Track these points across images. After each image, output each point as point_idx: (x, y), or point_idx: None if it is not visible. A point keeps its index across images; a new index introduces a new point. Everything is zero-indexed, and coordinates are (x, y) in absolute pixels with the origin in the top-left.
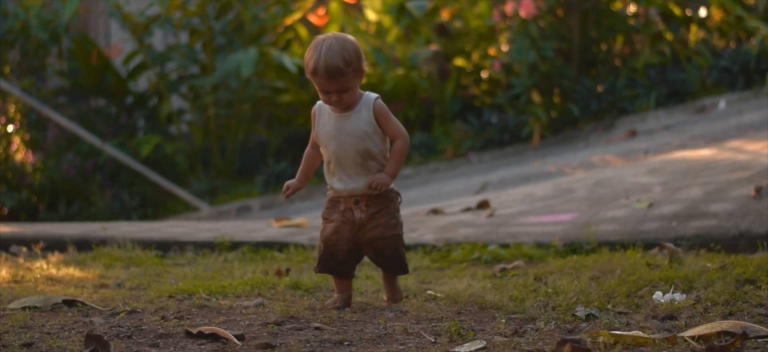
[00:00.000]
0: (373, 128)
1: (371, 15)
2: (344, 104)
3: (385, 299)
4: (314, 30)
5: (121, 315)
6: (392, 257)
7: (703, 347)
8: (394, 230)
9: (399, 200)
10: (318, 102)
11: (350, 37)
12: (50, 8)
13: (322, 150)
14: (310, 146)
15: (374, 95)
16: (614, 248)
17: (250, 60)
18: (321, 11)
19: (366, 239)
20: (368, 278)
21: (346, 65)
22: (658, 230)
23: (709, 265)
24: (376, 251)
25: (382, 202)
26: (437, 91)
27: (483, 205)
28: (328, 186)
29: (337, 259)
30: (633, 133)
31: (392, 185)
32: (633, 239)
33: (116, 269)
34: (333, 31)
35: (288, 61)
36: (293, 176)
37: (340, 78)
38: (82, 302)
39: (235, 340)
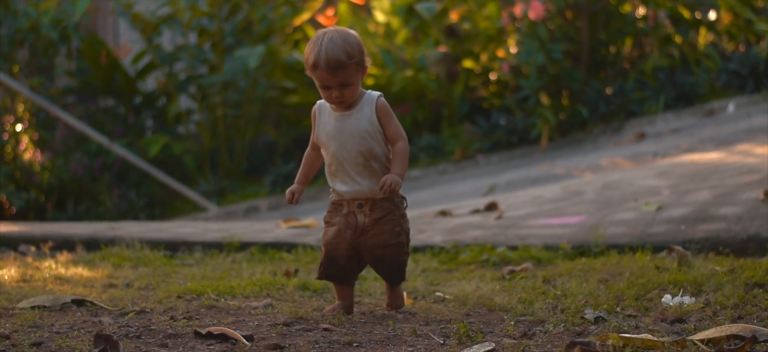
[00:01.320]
0: (374, 128)
1: (380, 16)
2: (346, 101)
3: (385, 306)
4: None
5: (130, 315)
6: (393, 266)
7: (713, 350)
8: (397, 239)
9: (405, 204)
10: (318, 102)
11: (352, 31)
12: (60, 8)
13: (323, 152)
14: (310, 148)
15: (376, 93)
16: (623, 250)
17: (257, 54)
18: (329, 12)
19: (368, 245)
20: (376, 279)
21: (348, 58)
22: (667, 233)
23: (718, 268)
24: (376, 258)
25: (387, 207)
26: (445, 93)
27: (491, 207)
28: (331, 189)
29: (337, 264)
30: (641, 136)
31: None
32: (642, 241)
33: (125, 269)
34: (334, 26)
35: (299, 55)
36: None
37: (341, 71)
38: (91, 302)
39: (244, 341)
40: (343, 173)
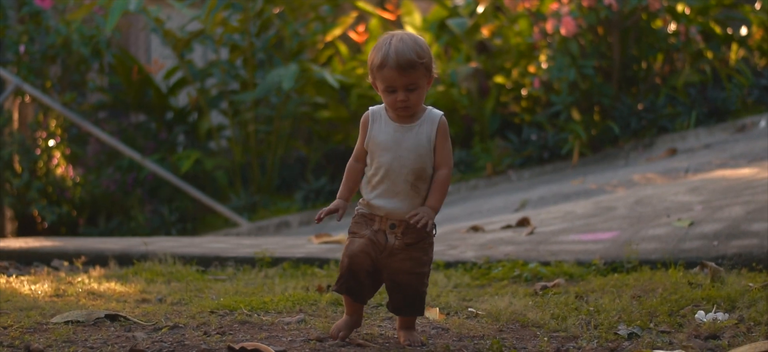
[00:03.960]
0: (431, 147)
1: (411, 32)
2: (411, 107)
3: (402, 342)
4: (354, 47)
5: (163, 330)
6: (414, 296)
7: None
8: (423, 268)
9: (434, 233)
10: (370, 108)
11: (421, 37)
12: (92, 24)
13: (370, 160)
14: (355, 159)
15: (440, 112)
16: (655, 266)
17: (291, 74)
18: (361, 28)
19: (392, 268)
20: None
21: (419, 58)
22: (700, 248)
23: (751, 284)
24: (396, 284)
25: (420, 233)
26: (477, 109)
27: (523, 222)
28: (361, 201)
29: (358, 278)
30: (673, 152)
31: None
32: (674, 257)
33: (157, 284)
34: (403, 30)
35: (329, 76)
36: (333, 193)
37: (411, 72)
38: (125, 317)
39: None
40: (388, 188)
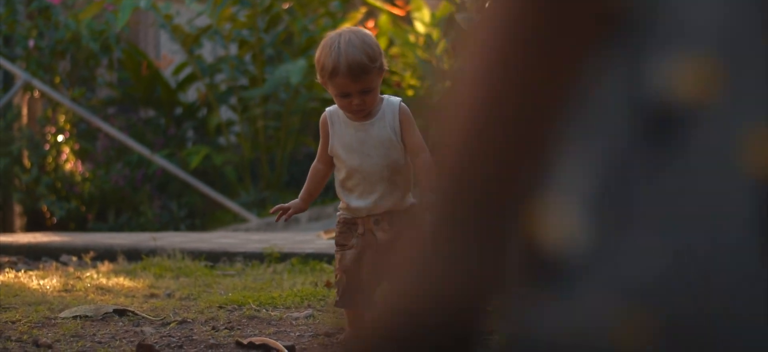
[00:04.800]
0: (397, 137)
1: (420, 27)
2: (367, 109)
3: None
4: None
5: (171, 325)
6: None
7: None
8: None
9: None
10: (327, 109)
11: (366, 30)
12: (101, 19)
13: (339, 164)
14: (319, 161)
15: (397, 99)
16: None
17: (299, 69)
18: (370, 23)
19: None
20: None
21: (371, 61)
22: None
23: None
24: None
25: (405, 220)
26: None
27: None
28: (340, 206)
29: (361, 290)
30: None
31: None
32: None
33: (166, 279)
34: (347, 26)
35: None
36: None
37: (363, 77)
38: (133, 312)
39: (286, 351)
40: (365, 188)
